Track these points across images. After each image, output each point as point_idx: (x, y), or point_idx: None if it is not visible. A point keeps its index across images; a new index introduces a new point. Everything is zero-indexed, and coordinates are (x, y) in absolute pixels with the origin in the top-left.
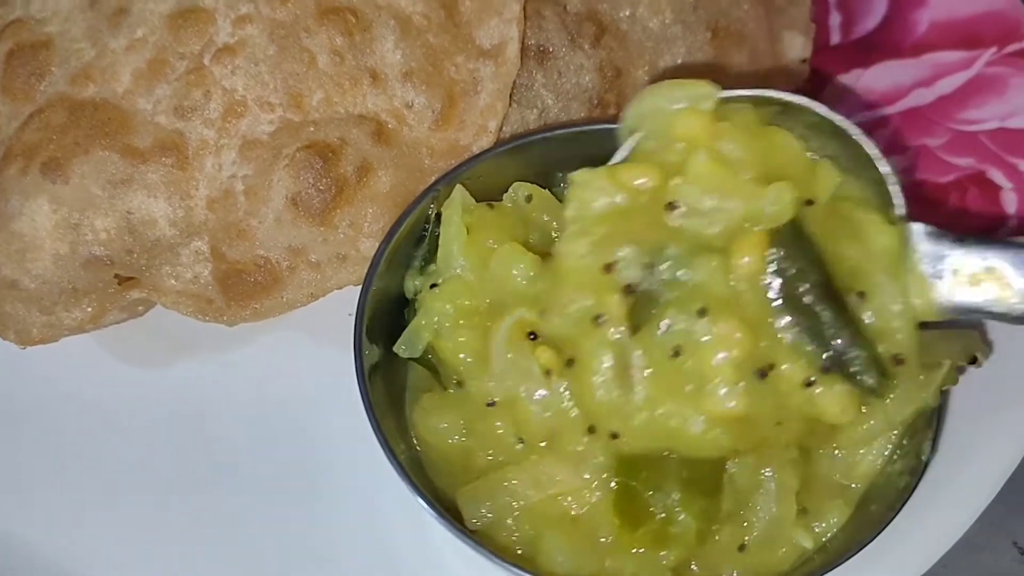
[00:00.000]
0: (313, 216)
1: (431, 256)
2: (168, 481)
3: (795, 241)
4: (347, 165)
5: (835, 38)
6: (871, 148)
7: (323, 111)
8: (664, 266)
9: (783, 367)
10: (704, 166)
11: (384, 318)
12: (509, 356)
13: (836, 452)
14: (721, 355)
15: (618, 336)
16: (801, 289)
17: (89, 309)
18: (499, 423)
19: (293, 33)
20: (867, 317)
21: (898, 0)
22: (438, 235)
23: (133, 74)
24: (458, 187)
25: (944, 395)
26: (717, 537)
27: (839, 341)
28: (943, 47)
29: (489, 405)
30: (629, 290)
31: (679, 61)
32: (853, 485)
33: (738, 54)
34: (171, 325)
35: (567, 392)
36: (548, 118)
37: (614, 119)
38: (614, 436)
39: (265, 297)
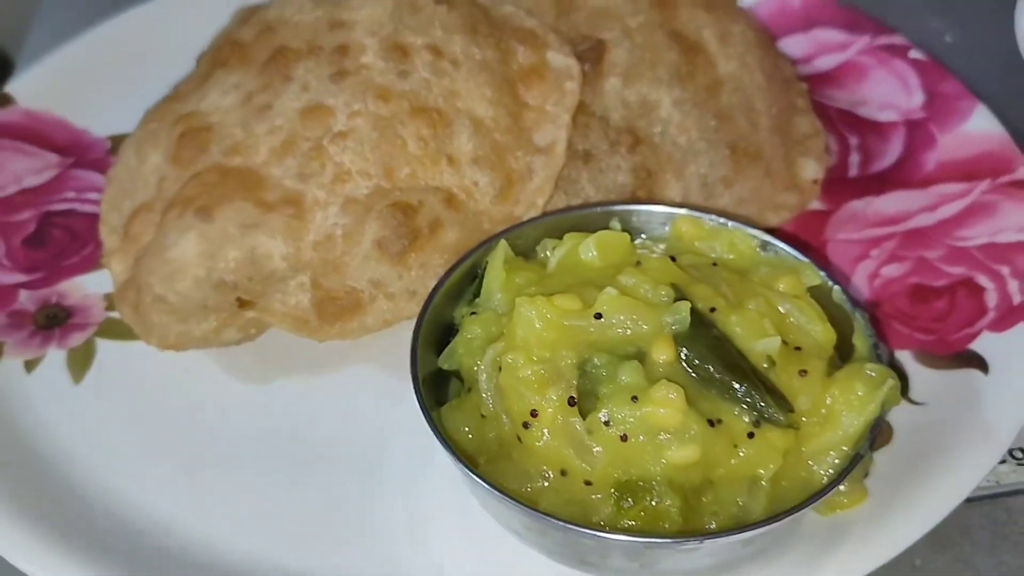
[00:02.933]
0: (392, 257)
1: (479, 293)
2: (252, 475)
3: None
4: (422, 220)
5: (852, 172)
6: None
7: (408, 182)
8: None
9: (727, 420)
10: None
11: (440, 340)
12: (492, 385)
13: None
14: (663, 411)
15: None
16: (711, 369)
17: (215, 323)
18: (492, 434)
19: (391, 125)
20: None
21: (911, 145)
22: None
23: (270, 150)
24: (502, 242)
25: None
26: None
27: (755, 397)
28: (946, 181)
29: (482, 416)
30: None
31: (702, 171)
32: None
33: (753, 169)
34: (275, 349)
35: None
36: None
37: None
38: (587, 483)
39: (349, 320)
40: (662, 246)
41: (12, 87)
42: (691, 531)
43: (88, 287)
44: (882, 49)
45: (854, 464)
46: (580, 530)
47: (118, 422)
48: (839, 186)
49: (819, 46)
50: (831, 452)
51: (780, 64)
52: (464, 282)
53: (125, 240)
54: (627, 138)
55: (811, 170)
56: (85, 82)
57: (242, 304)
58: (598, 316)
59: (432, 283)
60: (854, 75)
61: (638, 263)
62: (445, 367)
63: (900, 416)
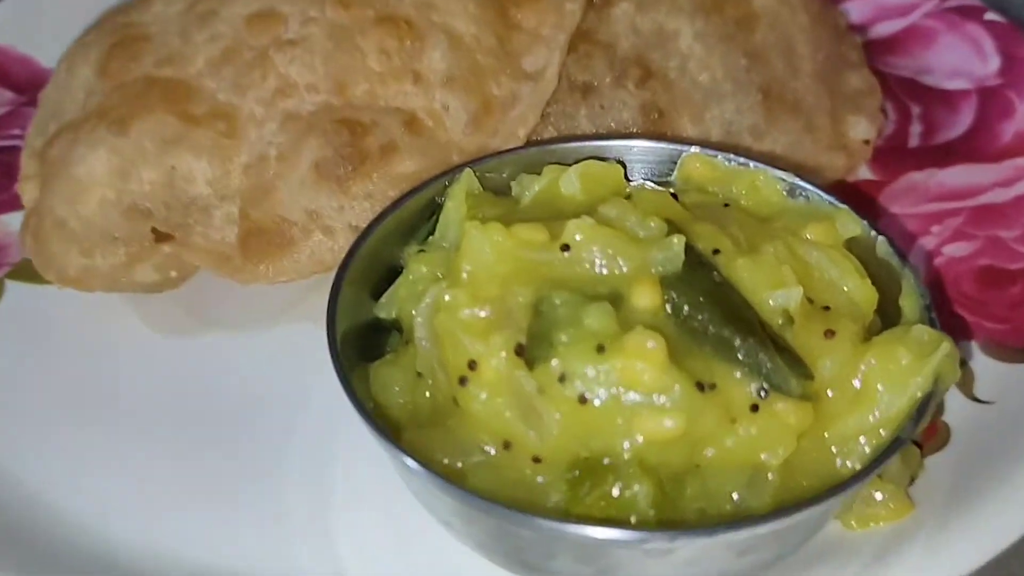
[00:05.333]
0: (333, 182)
1: (434, 232)
2: (161, 434)
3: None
4: (373, 142)
5: (913, 143)
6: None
7: (364, 100)
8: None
9: (723, 386)
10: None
11: (385, 285)
12: (428, 332)
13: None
14: (638, 365)
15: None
16: (705, 319)
17: (124, 257)
18: (426, 395)
19: (350, 34)
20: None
21: (984, 114)
22: None
23: (207, 60)
24: (467, 171)
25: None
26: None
27: (761, 358)
28: None
29: (418, 375)
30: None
31: (727, 116)
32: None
33: (790, 120)
34: (203, 300)
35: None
36: None
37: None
38: (536, 460)
39: (279, 258)
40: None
41: None
42: (664, 527)
43: (12, 224)
44: (952, 12)
45: (893, 450)
46: (518, 517)
47: (18, 372)
48: (897, 156)
49: (880, 9)
50: (862, 437)
51: (830, 9)
52: (419, 219)
53: (42, 164)
54: (636, 71)
55: (862, 129)
56: (54, 19)
57: (158, 237)
58: (565, 248)
59: None
60: (919, 40)
61: (629, 196)
62: (383, 315)
63: (961, 414)
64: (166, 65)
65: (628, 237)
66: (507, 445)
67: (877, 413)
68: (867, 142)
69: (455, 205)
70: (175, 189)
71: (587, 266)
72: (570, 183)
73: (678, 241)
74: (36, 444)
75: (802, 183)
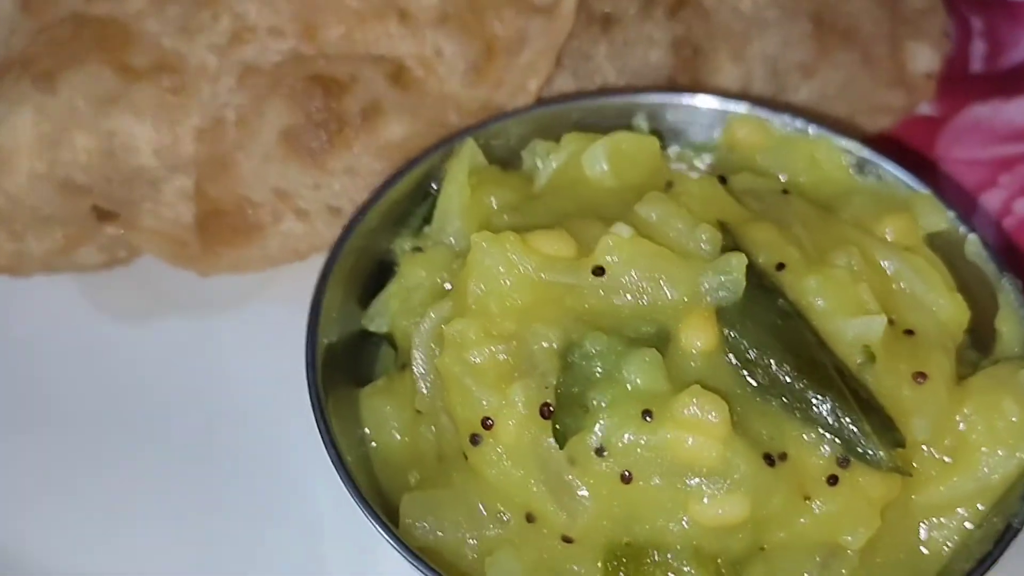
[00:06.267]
0: (305, 155)
1: (430, 218)
2: (108, 431)
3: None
4: (353, 103)
5: (975, 67)
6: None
7: (339, 47)
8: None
9: (795, 455)
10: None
11: (371, 285)
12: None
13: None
14: (693, 439)
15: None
16: (774, 367)
17: (61, 240)
18: (428, 437)
19: None
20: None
21: None
22: None
23: None
24: (469, 140)
25: None
26: None
27: (843, 420)
28: None
29: (417, 412)
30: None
31: (771, 51)
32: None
33: (846, 55)
34: (157, 278)
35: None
36: None
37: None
38: (566, 540)
39: (244, 245)
40: (708, 158)
41: None
42: None
43: None
44: None
45: (1006, 541)
46: None
47: None
48: (956, 85)
49: None
50: (959, 510)
51: None
52: (411, 200)
53: None
54: None
55: (925, 59)
56: None
57: (100, 215)
58: (599, 271)
59: (364, 198)
60: None
61: (669, 184)
62: (372, 328)
63: None
64: (101, 1)
65: (676, 255)
66: (530, 518)
67: (975, 480)
68: (929, 76)
69: (456, 189)
70: (116, 159)
71: (626, 296)
72: (596, 163)
73: (738, 261)
74: None
75: (873, 156)
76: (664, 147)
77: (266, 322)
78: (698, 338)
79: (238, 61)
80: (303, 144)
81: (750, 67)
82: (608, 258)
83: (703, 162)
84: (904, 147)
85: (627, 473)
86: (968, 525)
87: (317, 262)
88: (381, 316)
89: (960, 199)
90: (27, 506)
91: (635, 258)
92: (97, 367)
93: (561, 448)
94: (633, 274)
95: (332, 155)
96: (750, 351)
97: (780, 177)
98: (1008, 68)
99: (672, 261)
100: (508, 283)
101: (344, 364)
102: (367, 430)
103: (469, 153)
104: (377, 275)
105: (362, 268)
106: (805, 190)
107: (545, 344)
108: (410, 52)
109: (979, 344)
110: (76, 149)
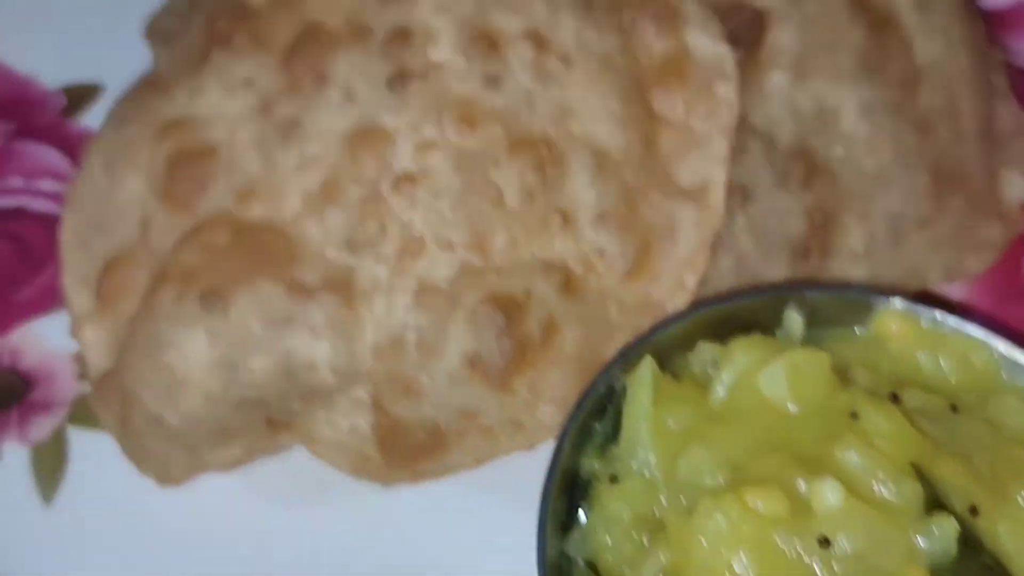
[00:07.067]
0: (492, 379)
1: (614, 434)
2: None
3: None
4: (532, 323)
5: None
6: None
7: (507, 255)
8: None
9: None
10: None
11: (561, 500)
12: None
13: None
14: None
15: None
16: None
17: (236, 451)
18: None
19: (481, 165)
20: None
21: None
22: (621, 410)
23: (303, 197)
24: (647, 360)
25: None
26: None
27: None
28: None
29: None
30: None
31: (894, 208)
32: None
33: (956, 198)
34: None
35: None
36: (745, 266)
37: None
38: None
39: (427, 459)
40: (856, 350)
41: None
42: None
43: (49, 337)
44: None
45: None
46: None
47: (101, 555)
48: None
49: None
50: None
51: (976, 22)
52: (591, 414)
53: (100, 302)
54: (800, 166)
55: (1018, 188)
56: (20, 8)
57: (274, 425)
58: (824, 542)
59: (545, 410)
60: None
61: (854, 415)
62: (573, 554)
63: None
64: (251, 200)
65: (888, 517)
66: None
67: None
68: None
69: (641, 414)
70: (293, 377)
71: (844, 561)
72: (775, 383)
73: (948, 526)
74: None
75: (1020, 356)
76: (819, 338)
77: (438, 502)
78: None
79: (411, 276)
80: (489, 370)
81: (874, 225)
82: (829, 526)
83: (860, 371)
84: None
85: None
86: None
87: None
88: (585, 544)
89: None
90: None
91: (853, 524)
92: (257, 552)
93: None
94: (851, 539)
95: (515, 375)
96: None
97: (941, 381)
98: None
99: (886, 524)
100: (733, 550)
101: None
102: None
103: (648, 378)
104: (568, 488)
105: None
106: (959, 392)
107: None
108: (572, 253)
109: None
110: (252, 370)
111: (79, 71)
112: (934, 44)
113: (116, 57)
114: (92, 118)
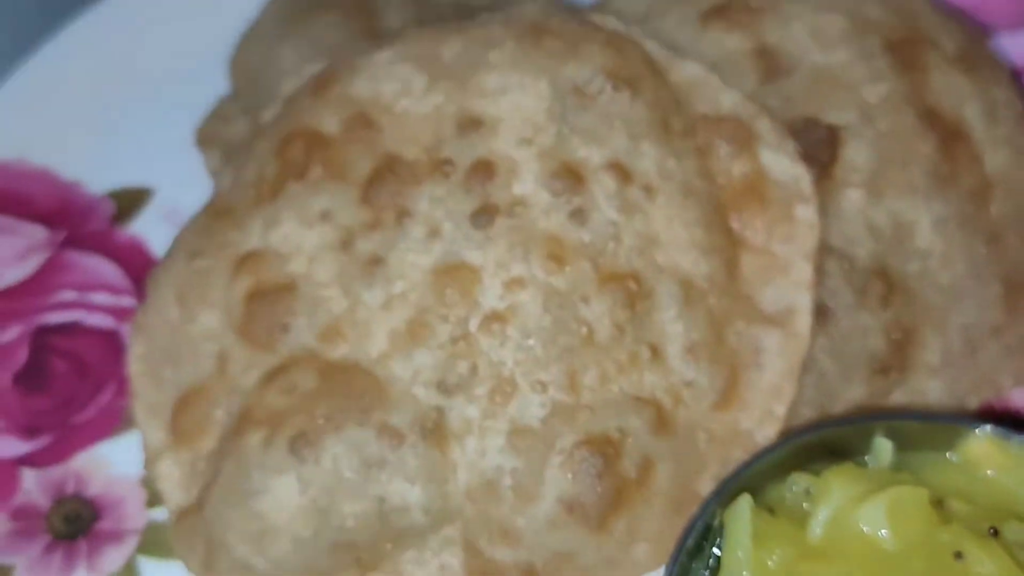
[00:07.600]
0: (590, 522)
1: (713, 573)
2: None
3: None
4: (628, 463)
5: None
6: None
7: (598, 392)
8: None
9: None
10: None
11: None
12: None
13: None
14: None
15: None
16: None
17: None
18: None
19: (570, 303)
20: None
21: None
22: (719, 547)
23: (390, 336)
24: (745, 498)
25: None
26: None
27: None
28: None
29: None
30: None
31: (968, 320)
32: None
33: None
34: None
35: None
36: (825, 384)
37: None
38: None
39: None
40: (949, 477)
41: None
42: None
43: (112, 461)
44: None
45: None
46: None
47: None
48: None
49: None
50: None
51: None
52: (690, 554)
53: (175, 436)
54: (878, 285)
55: None
56: (64, 111)
57: (364, 565)
58: None
59: (640, 548)
60: None
61: (959, 555)
62: None
63: None
64: (336, 339)
65: None
66: None
67: None
68: None
69: (743, 555)
70: (385, 521)
71: None
72: (875, 520)
73: None
74: None
75: None
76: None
77: None
78: None
79: (503, 417)
80: (587, 513)
81: (950, 339)
82: None
83: (953, 502)
84: None
85: None
86: None
87: None
88: None
89: None
90: None
91: None
92: None
93: None
94: None
95: (612, 516)
96: None
97: None
98: None
99: None
100: None
101: None
102: None
103: (747, 512)
104: None
105: None
106: None
107: None
108: (661, 387)
109: None
110: (344, 515)
111: (125, 175)
112: (1002, 154)
113: (162, 159)
114: (143, 224)
